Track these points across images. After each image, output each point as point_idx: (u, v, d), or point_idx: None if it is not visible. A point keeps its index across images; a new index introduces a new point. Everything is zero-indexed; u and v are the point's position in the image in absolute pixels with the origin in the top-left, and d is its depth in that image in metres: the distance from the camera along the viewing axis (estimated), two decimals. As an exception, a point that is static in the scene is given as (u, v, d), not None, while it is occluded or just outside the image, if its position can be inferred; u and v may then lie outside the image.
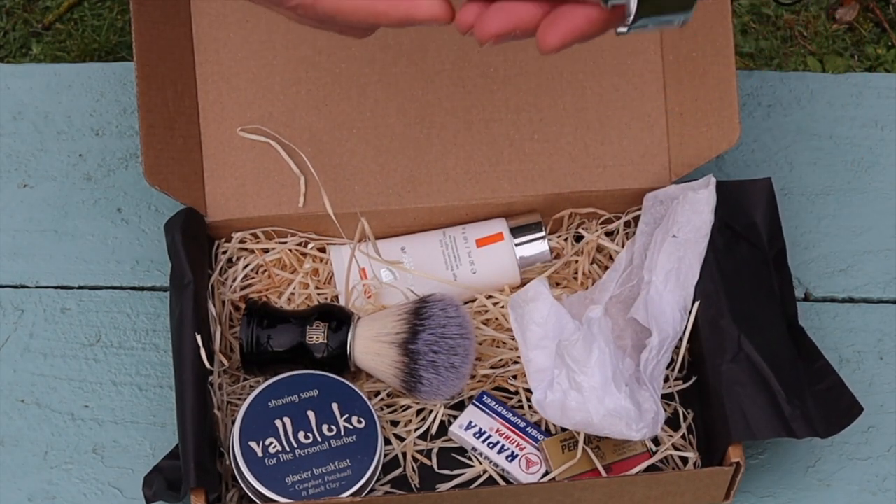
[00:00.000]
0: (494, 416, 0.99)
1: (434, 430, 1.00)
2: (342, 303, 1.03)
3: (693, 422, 0.99)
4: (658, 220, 1.02)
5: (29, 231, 1.08)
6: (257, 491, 0.93)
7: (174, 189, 1.01)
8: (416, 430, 1.00)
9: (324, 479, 0.94)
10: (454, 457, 0.99)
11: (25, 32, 1.86)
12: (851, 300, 1.07)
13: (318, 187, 1.03)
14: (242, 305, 1.03)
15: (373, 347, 0.98)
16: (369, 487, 0.95)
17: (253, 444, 0.94)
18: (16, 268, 1.07)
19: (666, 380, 0.99)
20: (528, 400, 0.99)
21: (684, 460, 0.98)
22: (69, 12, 1.87)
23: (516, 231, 1.04)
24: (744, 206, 1.02)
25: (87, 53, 1.83)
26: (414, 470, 0.98)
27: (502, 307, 1.02)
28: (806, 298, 1.07)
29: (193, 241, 1.00)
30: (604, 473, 0.96)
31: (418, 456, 0.99)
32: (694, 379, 1.00)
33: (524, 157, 1.05)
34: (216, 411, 0.97)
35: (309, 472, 0.94)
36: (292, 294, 1.04)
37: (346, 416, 0.96)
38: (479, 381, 1.01)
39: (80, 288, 1.06)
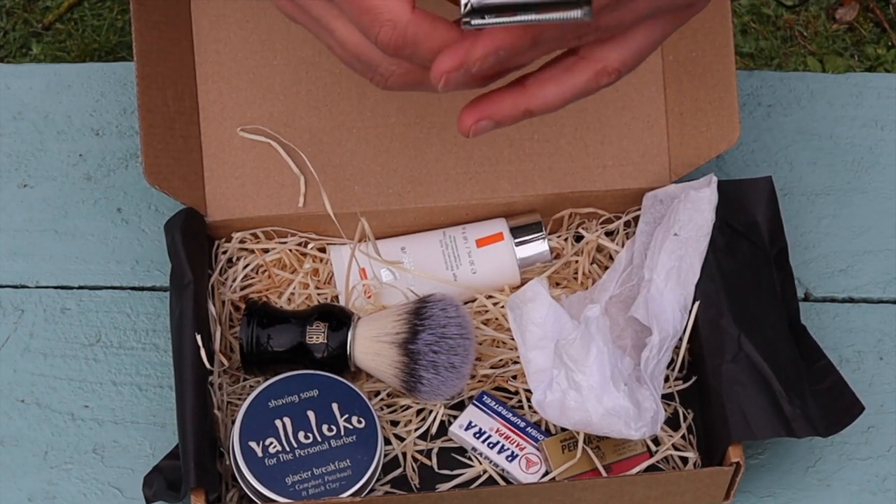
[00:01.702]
0: (494, 416, 0.99)
1: (434, 430, 1.00)
2: (342, 303, 1.03)
3: (693, 422, 0.99)
4: (658, 220, 1.02)
5: (29, 231, 1.08)
6: (257, 491, 0.93)
7: (174, 189, 1.01)
8: (416, 430, 1.00)
9: (324, 479, 0.94)
10: (454, 457, 0.99)
11: (25, 32, 1.86)
12: (851, 300, 1.07)
13: (318, 187, 1.03)
14: (242, 305, 1.03)
15: (373, 347, 0.98)
16: (369, 487, 0.95)
17: (253, 444, 0.94)
18: (16, 268, 1.07)
19: (666, 380, 0.99)
20: (528, 400, 0.99)
21: (684, 460, 0.98)
22: (69, 12, 1.87)
23: (516, 231, 1.04)
24: (745, 205, 1.02)
25: (87, 53, 1.83)
26: (414, 470, 0.98)
27: (502, 307, 1.02)
28: (806, 298, 1.07)
29: (193, 241, 1.00)
30: (604, 473, 0.96)
31: (418, 456, 0.99)
32: (694, 379, 1.00)
33: (524, 157, 1.05)
34: (216, 411, 0.97)
35: (309, 472, 0.94)
36: (292, 294, 1.04)
37: (346, 416, 0.96)
38: (479, 381, 1.01)
39: (80, 288, 1.06)
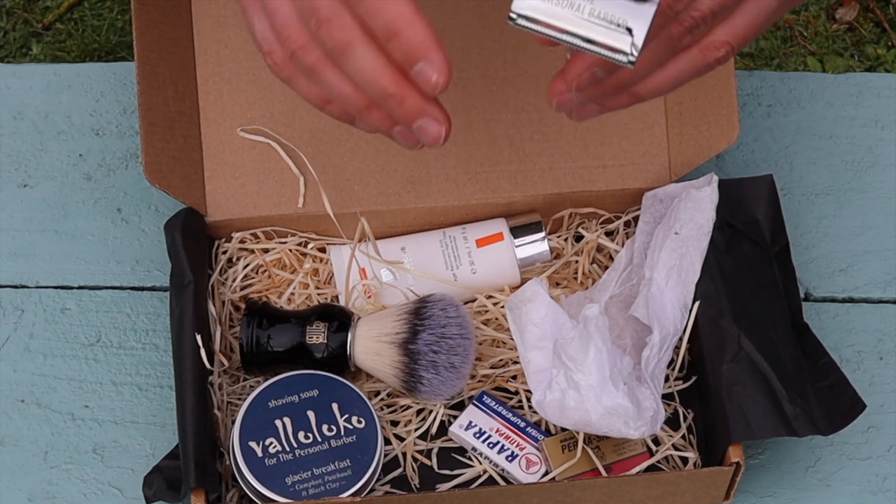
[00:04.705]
0: (494, 416, 0.99)
1: (434, 430, 1.00)
2: (342, 303, 1.03)
3: (693, 422, 0.99)
4: (658, 219, 1.02)
5: (29, 231, 1.08)
6: (257, 491, 0.93)
7: (174, 188, 1.01)
8: (416, 430, 1.00)
9: (324, 479, 0.94)
10: (454, 457, 0.99)
11: (25, 32, 1.86)
12: (851, 300, 1.07)
13: (318, 187, 1.03)
14: (242, 305, 1.03)
15: (373, 347, 0.98)
16: (369, 487, 0.95)
17: (253, 444, 0.94)
18: (16, 268, 1.07)
19: (666, 380, 0.99)
20: (528, 400, 0.99)
21: (684, 460, 0.98)
22: (69, 12, 1.87)
23: (516, 231, 1.04)
24: (745, 204, 1.02)
25: (87, 53, 1.83)
26: (414, 470, 0.98)
27: (502, 307, 1.02)
28: (806, 298, 1.07)
29: (193, 241, 1.00)
30: (604, 473, 0.96)
31: (418, 456, 0.99)
32: (694, 379, 1.00)
33: (524, 157, 1.05)
34: (216, 411, 0.97)
35: (309, 472, 0.94)
36: (292, 294, 1.04)
37: (346, 416, 0.96)
38: (479, 381, 1.01)
39: (80, 288, 1.06)
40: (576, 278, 1.05)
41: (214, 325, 1.00)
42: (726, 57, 0.77)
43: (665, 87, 0.78)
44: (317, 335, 0.98)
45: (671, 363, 1.01)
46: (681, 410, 1.00)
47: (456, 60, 1.05)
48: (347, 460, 0.94)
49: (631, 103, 0.79)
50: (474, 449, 0.98)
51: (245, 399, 0.96)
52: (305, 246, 1.06)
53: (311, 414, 0.96)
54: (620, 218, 1.06)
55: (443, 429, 1.00)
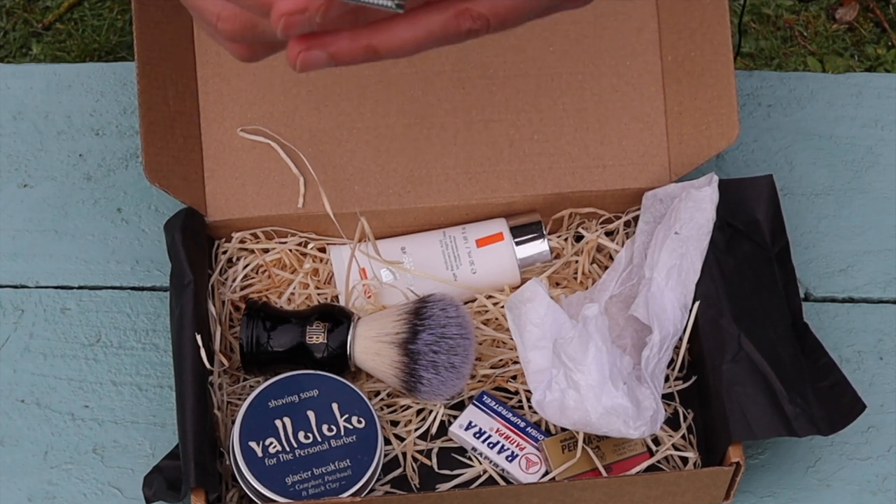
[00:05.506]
0: (494, 416, 0.99)
1: (434, 430, 1.00)
2: (342, 303, 1.03)
3: (693, 422, 0.99)
4: (658, 219, 1.02)
5: (29, 231, 1.08)
6: (257, 491, 0.93)
7: (174, 187, 1.01)
8: (416, 430, 1.00)
9: (324, 479, 0.94)
10: (454, 457, 0.99)
11: (25, 32, 1.86)
12: (851, 300, 1.07)
13: (318, 187, 1.03)
14: (242, 305, 1.03)
15: (373, 347, 0.98)
16: (369, 487, 0.95)
17: (253, 444, 0.94)
18: (16, 268, 1.07)
19: (666, 379, 0.99)
20: (528, 400, 0.99)
21: (684, 460, 0.98)
22: (69, 12, 1.87)
23: (516, 231, 1.04)
24: (745, 204, 1.03)
25: (87, 53, 1.83)
26: (414, 470, 0.98)
27: (502, 307, 1.02)
28: (806, 298, 1.07)
29: (193, 241, 1.00)
30: (604, 473, 0.96)
31: (418, 456, 0.99)
32: (694, 379, 1.00)
33: (524, 157, 1.05)
34: (216, 411, 0.97)
35: (309, 472, 0.94)
36: (292, 294, 1.04)
37: (346, 416, 0.96)
38: (479, 381, 1.01)
39: (80, 288, 1.06)
40: (576, 278, 1.05)
41: (214, 325, 1.00)
42: (479, 32, 0.67)
43: (409, 45, 0.67)
44: (317, 335, 0.98)
45: (671, 363, 1.01)
46: (681, 410, 1.00)
47: (456, 60, 1.05)
48: (347, 460, 0.94)
49: (366, 59, 0.68)
50: (474, 449, 0.98)
51: (245, 399, 0.96)
52: (305, 246, 1.06)
53: (311, 414, 0.96)
54: (620, 218, 1.06)
55: (443, 429, 1.00)
